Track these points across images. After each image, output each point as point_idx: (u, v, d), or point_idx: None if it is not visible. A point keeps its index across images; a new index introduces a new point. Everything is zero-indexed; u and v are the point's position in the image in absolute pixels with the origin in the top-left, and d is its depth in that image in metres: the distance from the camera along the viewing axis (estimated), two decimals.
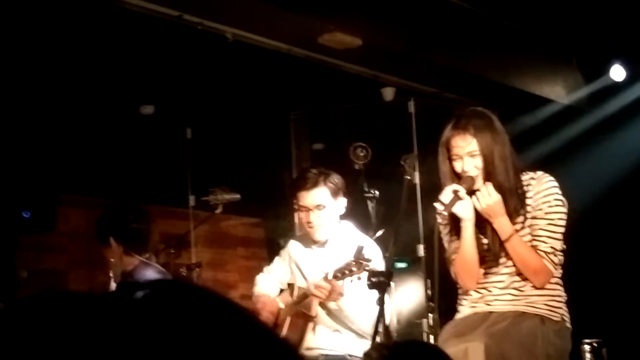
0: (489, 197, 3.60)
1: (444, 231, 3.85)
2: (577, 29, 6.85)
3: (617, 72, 7.13)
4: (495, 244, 3.71)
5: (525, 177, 3.73)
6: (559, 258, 3.69)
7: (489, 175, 3.62)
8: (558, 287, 3.77)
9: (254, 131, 6.88)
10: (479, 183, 3.65)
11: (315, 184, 4.35)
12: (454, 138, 3.64)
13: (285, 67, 6.43)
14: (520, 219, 3.69)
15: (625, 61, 7.13)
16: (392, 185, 4.71)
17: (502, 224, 3.64)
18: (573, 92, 7.40)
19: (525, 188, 3.70)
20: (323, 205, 4.35)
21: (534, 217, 3.67)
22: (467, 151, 3.61)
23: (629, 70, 7.13)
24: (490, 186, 3.61)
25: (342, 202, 4.43)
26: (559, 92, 7.38)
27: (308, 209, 4.38)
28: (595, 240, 7.03)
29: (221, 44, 5.94)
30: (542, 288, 3.71)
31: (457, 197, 3.58)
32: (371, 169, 5.50)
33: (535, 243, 3.66)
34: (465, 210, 3.63)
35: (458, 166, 3.64)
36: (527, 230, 3.69)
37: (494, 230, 3.69)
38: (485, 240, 3.74)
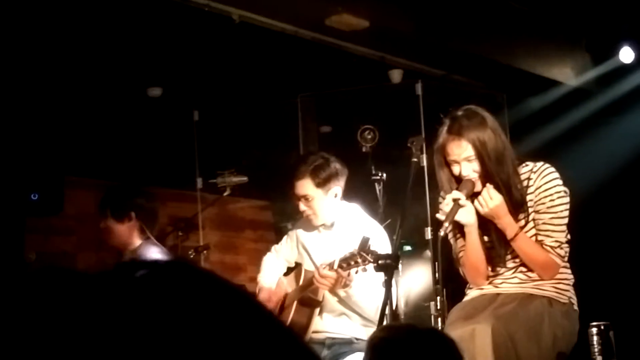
0: (490, 201, 3.58)
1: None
2: (586, 11, 6.81)
3: (626, 54, 7.09)
4: (500, 243, 3.70)
5: (525, 169, 3.71)
6: (565, 250, 3.69)
7: (487, 176, 3.61)
8: (565, 270, 3.77)
9: (261, 113, 6.86)
10: (478, 185, 3.63)
11: (301, 175, 4.37)
12: (448, 144, 3.62)
13: (292, 49, 6.41)
14: (523, 214, 3.68)
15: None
16: (400, 168, 4.69)
17: (506, 223, 3.63)
18: (582, 74, 7.36)
19: (525, 182, 3.68)
20: (309, 195, 4.36)
21: (537, 212, 3.66)
22: (463, 157, 3.59)
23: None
24: (491, 189, 3.60)
25: (334, 191, 4.41)
26: (567, 75, 7.35)
27: (298, 198, 4.41)
28: (603, 223, 7.02)
29: (228, 26, 5.92)
30: None
31: (457, 205, 3.57)
32: (378, 151, 5.49)
33: (540, 238, 3.66)
34: (467, 216, 3.62)
35: (456, 170, 3.63)
36: (530, 224, 3.69)
37: (497, 230, 3.68)
38: (487, 238, 3.74)
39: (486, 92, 6.94)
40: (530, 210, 3.68)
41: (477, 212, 3.64)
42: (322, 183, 4.36)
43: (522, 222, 3.68)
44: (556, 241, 3.65)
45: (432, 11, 6.33)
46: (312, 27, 6.25)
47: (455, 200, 3.56)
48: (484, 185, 3.63)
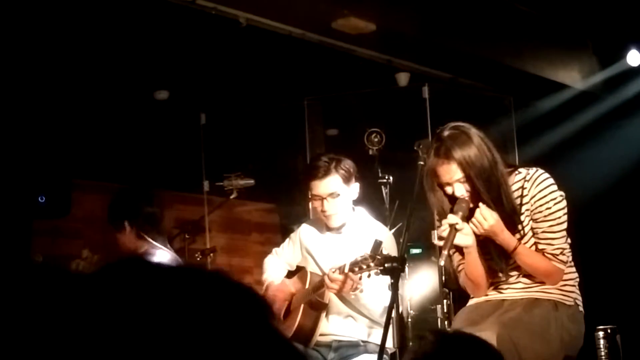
0: (485, 222, 3.57)
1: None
2: (594, 14, 6.80)
3: (634, 57, 7.08)
4: (499, 256, 3.70)
5: (518, 177, 3.69)
6: (567, 255, 3.68)
7: (477, 194, 3.60)
8: (570, 269, 3.76)
9: (268, 117, 6.87)
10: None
11: (327, 172, 4.31)
12: (438, 168, 3.61)
13: (299, 52, 6.42)
14: (520, 225, 3.67)
15: None
16: (407, 171, 4.69)
17: (504, 239, 3.62)
18: (589, 77, 7.36)
19: (519, 190, 3.67)
20: (337, 193, 4.32)
21: (535, 220, 3.64)
22: (455, 179, 3.59)
23: None
24: (484, 209, 3.58)
25: (355, 188, 4.41)
26: (574, 78, 7.34)
27: (322, 198, 4.35)
28: (609, 226, 7.00)
29: (235, 29, 5.93)
30: None
31: (454, 230, 3.56)
32: (385, 154, 5.49)
33: (542, 246, 3.64)
34: (465, 239, 3.61)
35: (449, 191, 3.62)
36: (529, 234, 3.68)
37: (496, 244, 3.67)
38: (486, 250, 3.72)
39: (493, 95, 6.94)
40: (527, 219, 3.67)
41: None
42: (348, 178, 4.35)
43: (520, 234, 3.67)
44: (557, 248, 3.64)
45: (439, 14, 6.33)
46: (319, 31, 6.26)
47: (452, 225, 3.55)
48: (475, 203, 3.61)
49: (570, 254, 3.70)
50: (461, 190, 3.59)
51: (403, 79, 7.01)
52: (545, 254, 3.63)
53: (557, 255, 3.63)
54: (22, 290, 0.77)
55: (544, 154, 6.53)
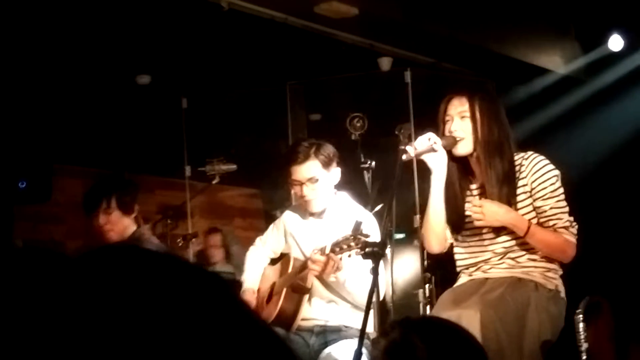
0: (487, 208, 3.63)
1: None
2: None
3: (615, 42, 7.10)
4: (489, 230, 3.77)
5: (516, 156, 3.77)
6: (575, 228, 3.74)
7: (475, 140, 3.66)
8: (554, 260, 3.80)
9: (250, 101, 6.85)
10: (461, 149, 3.68)
11: (306, 157, 4.30)
12: (453, 99, 3.72)
13: (281, 37, 6.40)
14: (520, 201, 3.72)
15: (624, 31, 7.10)
16: (389, 156, 4.69)
17: (515, 222, 3.68)
18: (571, 62, 7.38)
19: (517, 167, 3.73)
20: (315, 178, 4.31)
21: (541, 198, 3.69)
22: (458, 111, 3.66)
23: (627, 40, 7.10)
24: (475, 201, 3.67)
25: (335, 173, 4.40)
26: (556, 62, 7.36)
27: (301, 183, 4.35)
28: (591, 211, 7.03)
29: (217, 13, 5.90)
30: (539, 260, 3.74)
31: (430, 147, 3.63)
32: (367, 139, 5.48)
33: (552, 222, 3.70)
34: (436, 162, 3.68)
35: (448, 126, 3.70)
36: (523, 211, 3.71)
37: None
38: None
39: (475, 79, 6.94)
40: (522, 195, 3.72)
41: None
42: (328, 163, 4.34)
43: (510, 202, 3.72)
44: (567, 221, 3.72)
45: None
46: (301, 15, 6.24)
47: (431, 145, 3.63)
48: (474, 150, 3.66)
49: (577, 228, 3.75)
50: (458, 126, 3.68)
51: (385, 63, 7.00)
52: (558, 229, 3.67)
53: (568, 227, 3.69)
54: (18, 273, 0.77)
55: (526, 139, 6.54)
